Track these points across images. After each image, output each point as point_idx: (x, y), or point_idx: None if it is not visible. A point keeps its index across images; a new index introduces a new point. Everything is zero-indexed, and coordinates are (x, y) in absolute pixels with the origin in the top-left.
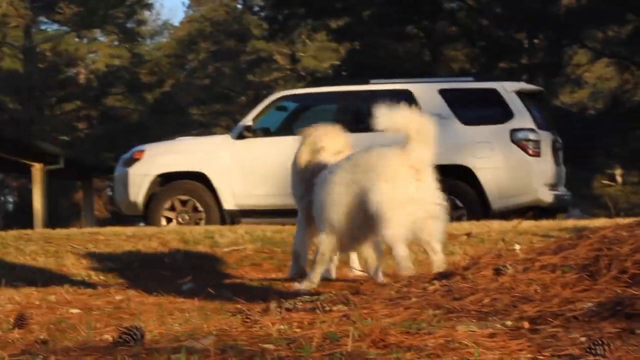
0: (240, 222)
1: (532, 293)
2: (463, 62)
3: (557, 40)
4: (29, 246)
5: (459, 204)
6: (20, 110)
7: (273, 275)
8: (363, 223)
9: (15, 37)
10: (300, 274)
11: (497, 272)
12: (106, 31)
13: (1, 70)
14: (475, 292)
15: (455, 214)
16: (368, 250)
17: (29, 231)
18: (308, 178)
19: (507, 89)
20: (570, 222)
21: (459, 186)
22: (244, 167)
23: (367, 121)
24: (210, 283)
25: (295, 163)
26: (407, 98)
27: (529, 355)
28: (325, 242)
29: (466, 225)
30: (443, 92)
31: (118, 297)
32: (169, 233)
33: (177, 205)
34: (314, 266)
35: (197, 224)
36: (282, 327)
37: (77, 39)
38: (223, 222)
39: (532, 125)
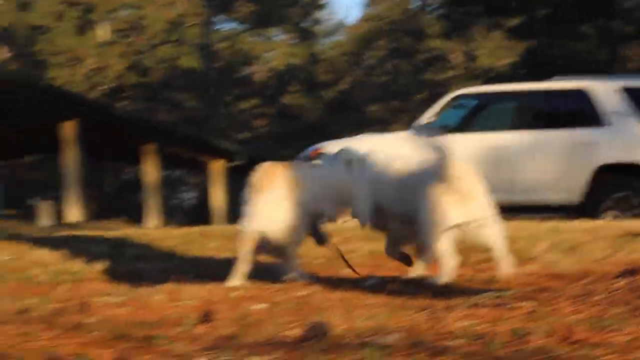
0: None
1: None
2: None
3: None
4: (212, 242)
5: (635, 202)
6: (197, 108)
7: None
8: None
9: (193, 35)
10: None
11: None
12: (283, 29)
13: (178, 68)
14: None
15: (633, 212)
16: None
17: (210, 227)
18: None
19: None
20: None
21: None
22: None
23: (545, 119)
24: (394, 279)
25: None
26: (586, 96)
27: None
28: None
29: None
30: (625, 90)
31: (302, 293)
32: (351, 230)
33: None
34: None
35: None
36: (468, 323)
37: (253, 38)
38: None
39: None
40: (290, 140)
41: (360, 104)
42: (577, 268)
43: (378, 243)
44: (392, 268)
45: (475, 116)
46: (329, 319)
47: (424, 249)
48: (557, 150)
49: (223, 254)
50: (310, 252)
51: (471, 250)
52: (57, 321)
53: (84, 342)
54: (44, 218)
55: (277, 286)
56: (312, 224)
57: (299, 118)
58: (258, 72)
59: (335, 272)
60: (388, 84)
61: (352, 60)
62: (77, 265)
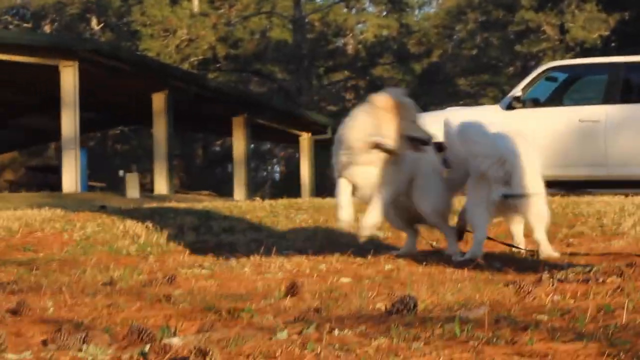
0: None
1: None
2: None
3: None
4: (299, 215)
5: None
6: (289, 80)
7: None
8: None
9: (284, 7)
10: None
11: None
12: (375, 1)
13: (270, 40)
14: None
15: None
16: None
17: (298, 200)
18: None
19: None
20: None
21: None
22: None
23: (638, 92)
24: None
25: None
26: None
27: None
28: None
29: None
30: None
31: (388, 267)
32: None
33: None
34: None
35: None
36: (555, 298)
37: (345, 9)
38: None
39: None
40: None
41: (450, 76)
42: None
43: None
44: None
45: (566, 89)
46: (415, 292)
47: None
48: None
49: (310, 227)
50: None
51: (560, 225)
52: (144, 293)
53: (169, 314)
54: (132, 190)
55: (363, 260)
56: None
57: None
58: (350, 44)
59: (421, 246)
60: (478, 56)
61: (443, 32)
62: (165, 237)
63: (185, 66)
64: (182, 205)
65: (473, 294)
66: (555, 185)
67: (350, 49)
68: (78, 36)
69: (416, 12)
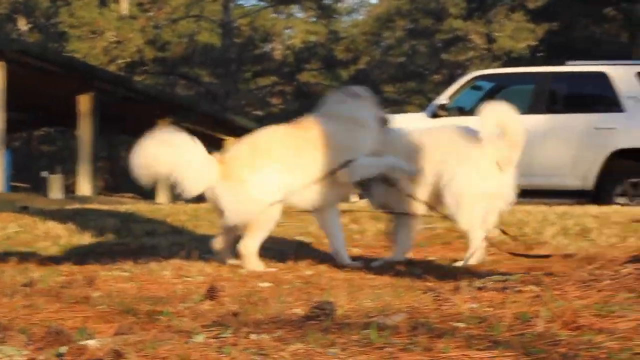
0: None
1: None
2: None
3: None
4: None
5: None
6: (216, 84)
7: (463, 254)
8: None
9: (212, 11)
10: None
11: None
12: (303, 7)
13: (198, 43)
14: None
15: None
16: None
17: None
18: None
19: None
20: None
21: None
22: None
23: (563, 102)
24: (400, 261)
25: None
26: (603, 80)
27: None
28: None
29: None
30: None
31: (308, 272)
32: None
33: None
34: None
35: None
36: (473, 305)
37: (274, 15)
38: None
39: None
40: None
41: (377, 83)
42: (585, 253)
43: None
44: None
45: (492, 98)
46: (334, 298)
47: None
48: (572, 134)
49: None
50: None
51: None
52: (63, 294)
53: (88, 316)
54: (55, 191)
55: (283, 265)
56: None
57: (316, 96)
58: (277, 49)
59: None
60: (405, 64)
61: (371, 39)
62: (86, 239)
63: (113, 68)
64: (105, 207)
65: (392, 301)
66: None
67: (277, 54)
68: (6, 37)
69: (344, 18)
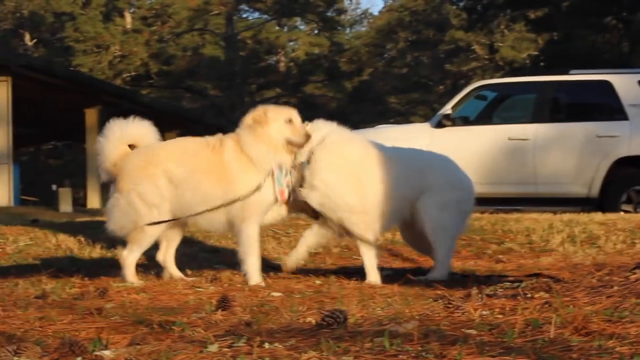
0: None
1: None
2: None
3: None
4: None
5: None
6: (221, 97)
7: (471, 263)
8: None
9: (217, 25)
10: None
11: None
12: (306, 20)
13: (203, 57)
14: None
15: None
16: None
17: None
18: None
19: None
20: None
21: None
22: None
23: (566, 111)
24: (409, 269)
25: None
26: (607, 89)
27: None
28: None
29: None
30: None
31: (318, 282)
32: None
33: None
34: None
35: None
36: (484, 313)
37: (277, 27)
38: None
39: None
40: None
41: (381, 94)
42: (593, 260)
43: (394, 233)
44: (407, 259)
45: (495, 108)
46: (345, 307)
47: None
48: (575, 142)
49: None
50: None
51: (489, 242)
52: (76, 306)
53: (101, 326)
54: (64, 204)
55: (293, 275)
56: None
57: (320, 107)
58: (282, 61)
59: (350, 261)
60: (409, 75)
61: (374, 51)
62: (97, 251)
63: (118, 82)
64: None
65: (403, 309)
66: (484, 203)
67: (282, 66)
68: (11, 51)
69: (347, 30)
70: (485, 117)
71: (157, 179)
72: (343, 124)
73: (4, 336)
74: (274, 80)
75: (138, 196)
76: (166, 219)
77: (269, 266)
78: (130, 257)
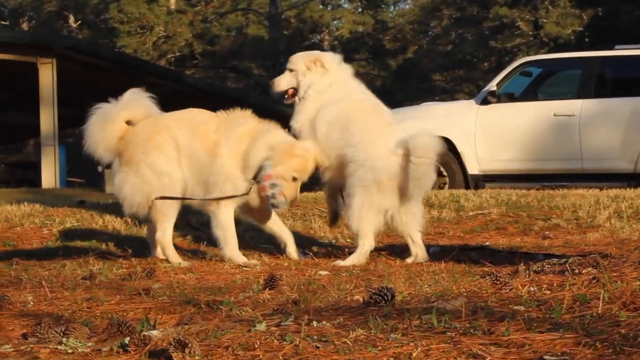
0: (484, 187)
1: None
2: None
3: None
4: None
5: None
6: (266, 76)
7: (518, 239)
8: None
9: (260, 4)
10: None
11: None
12: None
13: (247, 36)
14: None
15: None
16: None
17: None
18: None
19: None
20: None
21: None
22: (488, 132)
23: (611, 86)
24: (456, 246)
25: None
26: None
27: None
28: None
29: None
30: None
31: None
32: None
33: None
34: None
35: (440, 188)
36: (531, 289)
37: (321, 6)
38: (467, 186)
39: None
40: None
41: (425, 72)
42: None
43: (440, 210)
44: (453, 236)
45: (540, 84)
46: (393, 284)
47: None
48: (621, 118)
49: (288, 221)
50: None
51: (536, 218)
52: (123, 286)
53: (149, 307)
54: (111, 185)
55: (340, 253)
56: None
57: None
58: (326, 40)
59: (397, 239)
60: (453, 52)
61: (418, 28)
62: (143, 232)
63: (163, 63)
64: None
65: (450, 286)
66: (530, 179)
67: (326, 45)
68: (56, 33)
69: (391, 8)
70: (530, 94)
71: (166, 145)
72: (388, 102)
73: (52, 317)
74: None
75: (148, 167)
76: (172, 196)
77: (316, 245)
78: (165, 237)
